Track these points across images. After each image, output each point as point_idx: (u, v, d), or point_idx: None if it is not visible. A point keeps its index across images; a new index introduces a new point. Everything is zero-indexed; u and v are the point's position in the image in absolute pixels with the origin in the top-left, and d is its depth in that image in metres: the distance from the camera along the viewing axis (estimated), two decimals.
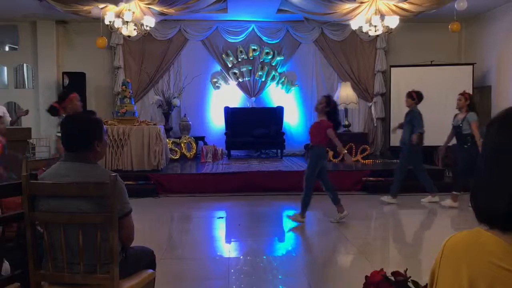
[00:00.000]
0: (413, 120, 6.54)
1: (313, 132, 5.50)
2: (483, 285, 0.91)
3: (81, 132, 2.34)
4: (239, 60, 10.55)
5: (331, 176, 7.58)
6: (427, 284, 1.12)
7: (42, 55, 10.10)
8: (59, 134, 4.70)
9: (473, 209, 1.03)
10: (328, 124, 5.31)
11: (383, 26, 7.97)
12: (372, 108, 10.57)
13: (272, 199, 7.02)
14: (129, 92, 8.83)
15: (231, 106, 10.35)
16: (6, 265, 2.36)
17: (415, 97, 6.65)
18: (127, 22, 7.88)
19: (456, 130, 6.48)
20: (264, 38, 10.48)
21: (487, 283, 0.91)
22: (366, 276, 1.88)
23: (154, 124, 8.48)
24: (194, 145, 9.90)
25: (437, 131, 8.68)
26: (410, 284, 1.80)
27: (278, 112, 10.33)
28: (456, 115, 6.59)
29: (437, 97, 9.44)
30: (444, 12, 8.25)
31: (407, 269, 1.88)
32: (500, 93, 9.31)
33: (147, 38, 9.82)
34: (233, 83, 10.62)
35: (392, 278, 1.83)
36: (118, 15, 7.95)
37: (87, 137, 2.34)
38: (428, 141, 9.45)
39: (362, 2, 8.16)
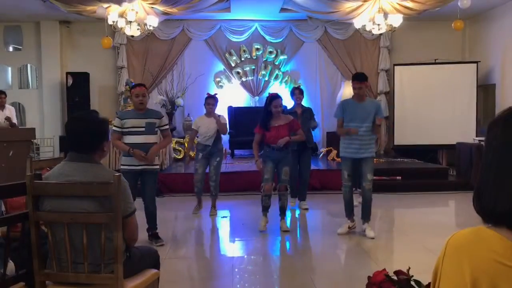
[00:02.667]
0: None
1: None
2: (486, 282, 0.91)
3: (92, 133, 2.34)
4: (243, 59, 10.55)
5: (333, 175, 7.61)
6: (429, 283, 1.12)
7: (46, 55, 10.14)
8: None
9: (476, 210, 1.02)
10: None
11: (387, 25, 7.95)
12: None
13: (276, 198, 7.01)
14: None
15: (234, 105, 10.35)
16: (10, 264, 2.37)
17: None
18: (130, 22, 7.90)
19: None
20: (267, 37, 10.48)
21: (490, 281, 0.91)
22: (369, 277, 1.88)
23: None
24: None
25: (440, 129, 8.67)
26: (412, 283, 1.80)
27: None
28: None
29: (441, 95, 9.41)
30: (448, 10, 8.22)
31: (409, 268, 1.88)
32: (504, 91, 9.27)
33: (150, 37, 9.84)
34: (236, 82, 10.62)
35: (395, 277, 1.83)
36: (122, 15, 7.97)
37: (97, 138, 2.35)
38: (432, 139, 9.48)
39: (365, 1, 8.14)
